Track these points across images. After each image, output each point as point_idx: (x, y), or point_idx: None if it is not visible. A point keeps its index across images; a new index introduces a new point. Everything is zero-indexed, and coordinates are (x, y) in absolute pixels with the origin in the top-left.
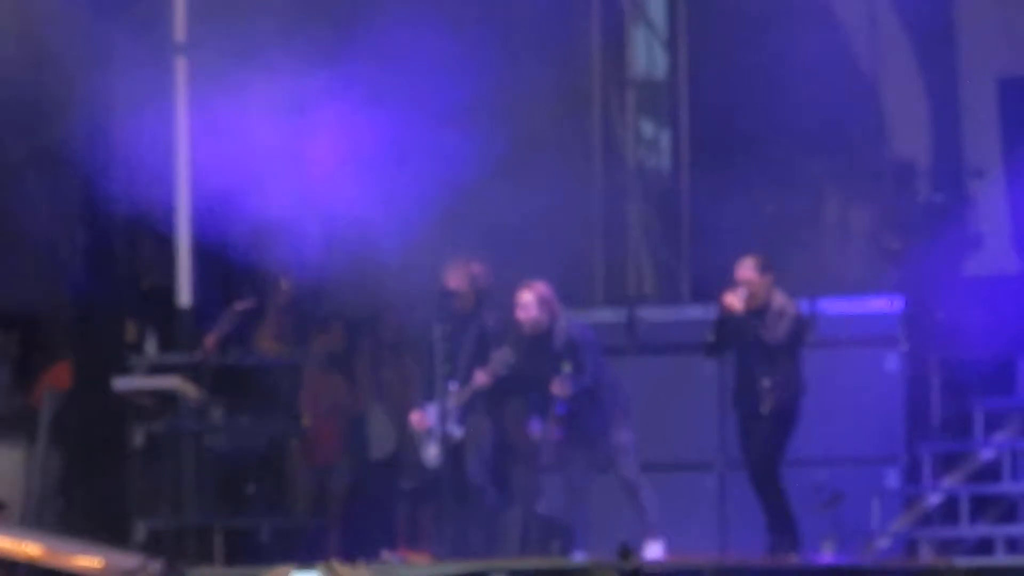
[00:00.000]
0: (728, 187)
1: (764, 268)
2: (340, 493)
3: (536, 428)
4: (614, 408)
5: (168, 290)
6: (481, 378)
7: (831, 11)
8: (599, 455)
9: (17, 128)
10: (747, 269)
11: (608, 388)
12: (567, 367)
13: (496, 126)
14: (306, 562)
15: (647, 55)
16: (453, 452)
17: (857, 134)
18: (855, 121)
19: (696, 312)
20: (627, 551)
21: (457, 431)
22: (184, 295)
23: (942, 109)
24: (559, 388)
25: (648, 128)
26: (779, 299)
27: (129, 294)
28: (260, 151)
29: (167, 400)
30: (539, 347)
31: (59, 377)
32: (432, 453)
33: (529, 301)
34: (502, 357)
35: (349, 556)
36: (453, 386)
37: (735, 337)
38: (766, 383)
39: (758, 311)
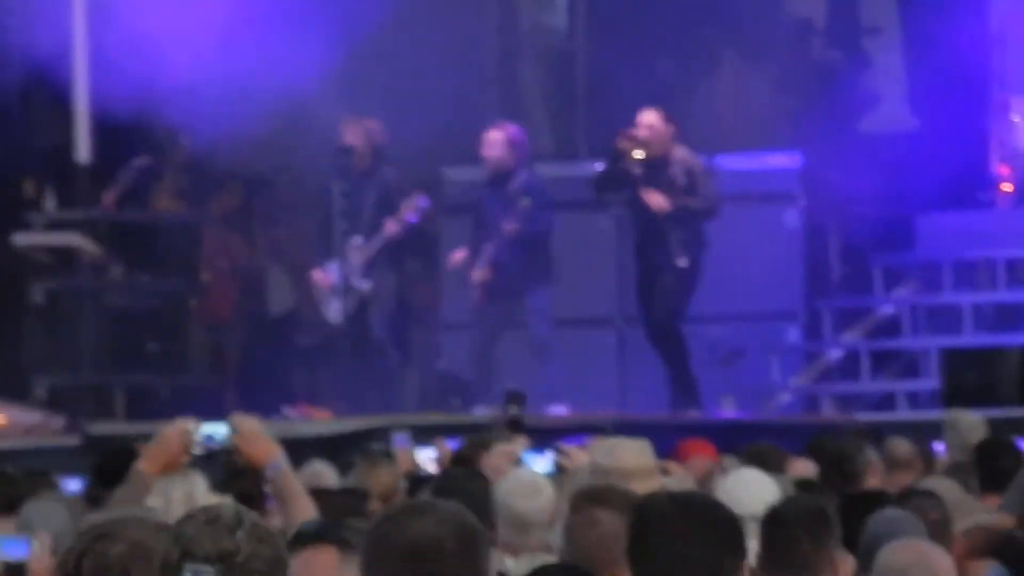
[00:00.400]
0: (625, 47)
1: (667, 119)
2: (238, 350)
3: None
4: (539, 269)
5: (66, 147)
6: (391, 227)
7: None
8: (515, 311)
9: None
10: (651, 115)
11: (540, 248)
12: (525, 202)
13: None
14: (205, 418)
15: None
16: (357, 308)
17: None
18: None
19: (592, 168)
20: (516, 396)
21: (364, 285)
22: (82, 152)
23: None
24: (509, 224)
25: None
26: (680, 151)
27: (26, 151)
28: (157, 8)
29: (66, 257)
30: (497, 190)
31: None
32: (335, 309)
33: (497, 139)
34: (414, 205)
35: (248, 412)
36: (356, 240)
37: (636, 183)
38: (676, 233)
39: (660, 160)
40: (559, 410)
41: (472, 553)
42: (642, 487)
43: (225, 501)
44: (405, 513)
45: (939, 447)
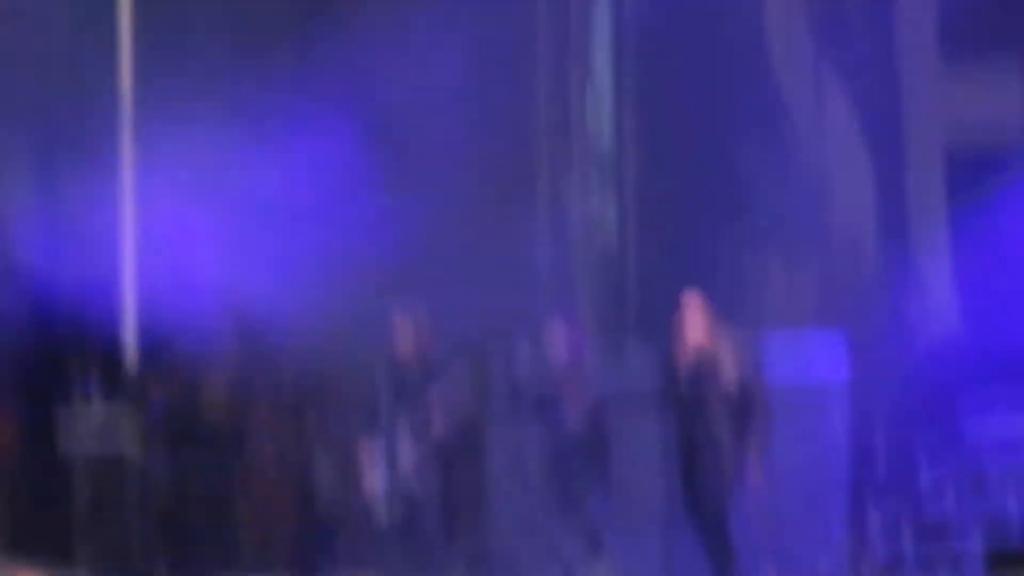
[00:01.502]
0: (675, 259)
1: (711, 314)
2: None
3: None
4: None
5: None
6: (438, 426)
7: (776, 90)
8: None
9: None
10: (694, 316)
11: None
12: None
13: (445, 184)
14: None
15: (595, 118)
16: (408, 510)
17: (802, 210)
18: (799, 197)
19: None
20: None
21: (417, 488)
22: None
23: (887, 185)
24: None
25: (594, 200)
26: (729, 360)
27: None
28: (207, 229)
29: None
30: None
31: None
32: (390, 512)
33: (561, 341)
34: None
35: None
36: (406, 443)
37: (684, 394)
38: (725, 444)
39: (708, 369)
40: None
41: None
42: None
43: None
44: None
45: None
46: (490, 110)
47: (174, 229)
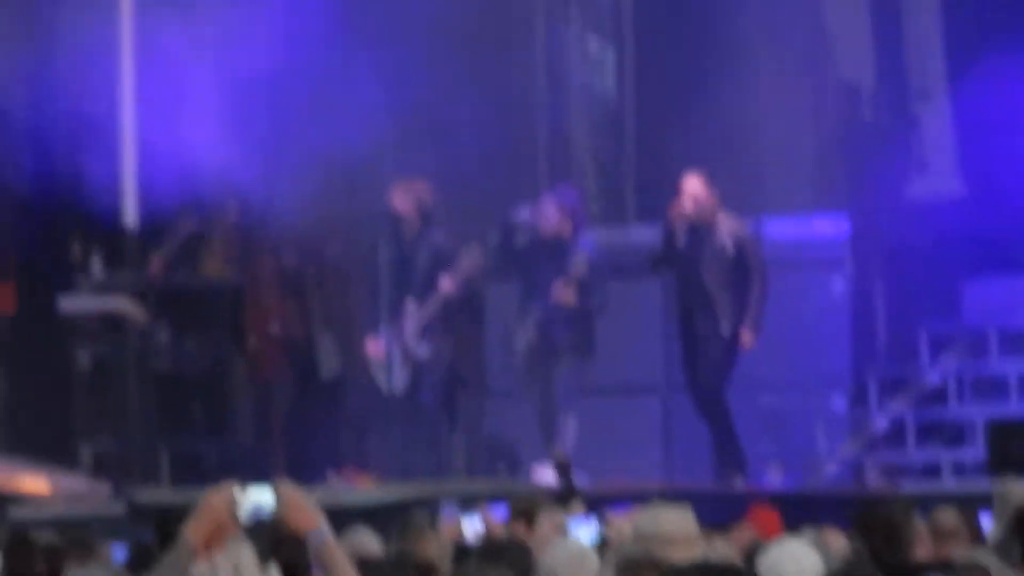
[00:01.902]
0: (672, 109)
1: (710, 183)
2: (286, 415)
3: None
4: (583, 343)
5: (114, 211)
6: (448, 284)
7: None
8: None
9: None
10: (694, 182)
11: (586, 324)
12: (580, 266)
13: (441, 47)
14: (251, 482)
15: None
16: (411, 374)
17: (801, 57)
18: (799, 44)
19: (642, 233)
20: (563, 464)
21: (422, 351)
22: (130, 215)
23: (885, 29)
24: (564, 295)
25: (593, 47)
26: (726, 220)
27: (73, 214)
28: (205, 75)
29: (112, 322)
30: (551, 257)
31: (3, 301)
32: (393, 378)
33: (550, 206)
34: (472, 258)
35: (294, 477)
36: (410, 305)
37: (682, 253)
38: (722, 302)
39: (705, 227)
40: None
41: None
42: (684, 554)
43: (271, 570)
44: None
45: (985, 518)
46: None
47: (173, 100)
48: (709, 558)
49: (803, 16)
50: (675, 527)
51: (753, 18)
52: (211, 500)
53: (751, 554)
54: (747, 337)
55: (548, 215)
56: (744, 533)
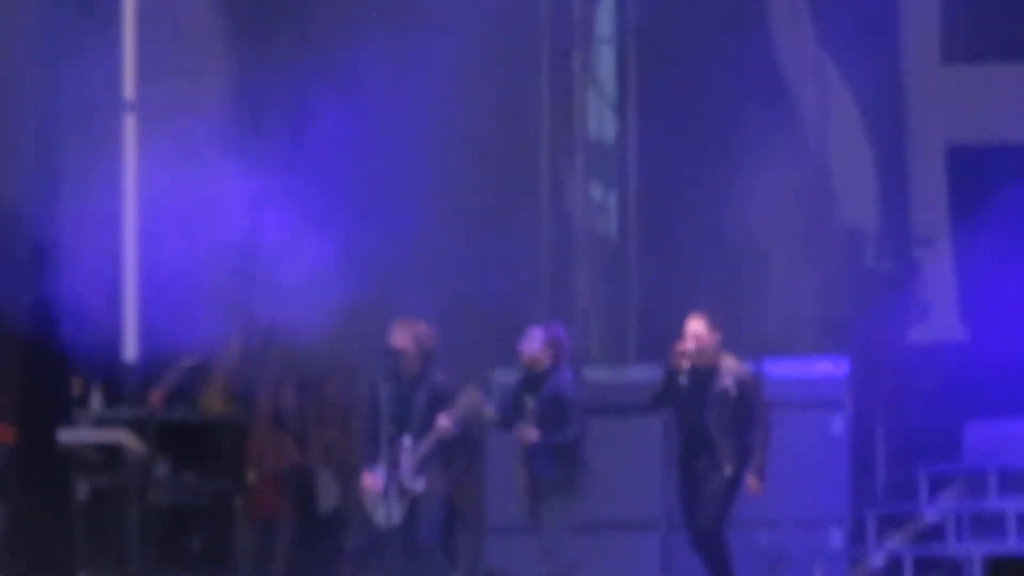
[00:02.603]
0: (676, 252)
1: (713, 326)
2: (284, 550)
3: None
4: (566, 476)
5: (114, 346)
6: (445, 422)
7: (781, 82)
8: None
9: None
10: (697, 324)
11: (567, 456)
12: (530, 406)
13: (447, 188)
14: None
15: (597, 119)
16: (408, 510)
17: (806, 201)
18: (804, 188)
19: (642, 373)
20: None
21: (418, 486)
22: (130, 350)
23: (890, 177)
24: (525, 434)
25: (597, 191)
26: (729, 360)
27: (74, 350)
28: (206, 212)
29: (112, 454)
30: (530, 387)
31: (3, 432)
32: (385, 513)
33: (537, 337)
34: (470, 399)
35: None
36: (407, 442)
37: (685, 394)
38: (725, 443)
39: (708, 369)
40: None
41: None
42: None
43: None
44: None
45: None
46: (493, 103)
47: (175, 239)
48: None
49: (807, 160)
50: None
51: (756, 163)
52: None
53: None
54: (753, 483)
55: (531, 344)
56: None
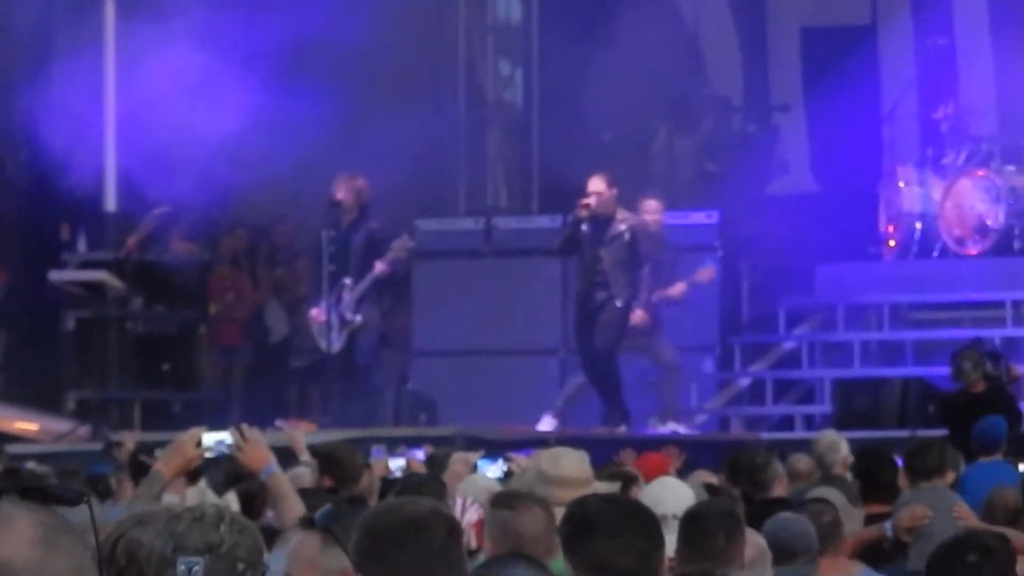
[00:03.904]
0: (572, 118)
1: (611, 183)
2: (241, 372)
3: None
4: None
5: (97, 198)
6: (381, 267)
7: None
8: None
9: None
10: (598, 181)
11: None
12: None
13: (378, 65)
14: (212, 429)
15: (504, 3)
16: (347, 338)
17: (681, 75)
18: (679, 64)
19: (543, 222)
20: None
21: (356, 318)
22: (110, 201)
23: (752, 54)
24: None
25: (505, 67)
26: (623, 212)
27: (63, 201)
28: (175, 79)
29: (95, 291)
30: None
31: (1, 271)
32: (330, 340)
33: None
34: (402, 245)
35: (248, 425)
36: (347, 281)
37: (586, 239)
38: (619, 280)
39: (606, 219)
40: (547, 424)
41: (456, 534)
42: (579, 494)
43: (230, 499)
44: (400, 502)
45: None
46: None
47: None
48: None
49: (683, 40)
50: (575, 470)
51: (640, 42)
52: (181, 440)
53: (630, 488)
54: (639, 316)
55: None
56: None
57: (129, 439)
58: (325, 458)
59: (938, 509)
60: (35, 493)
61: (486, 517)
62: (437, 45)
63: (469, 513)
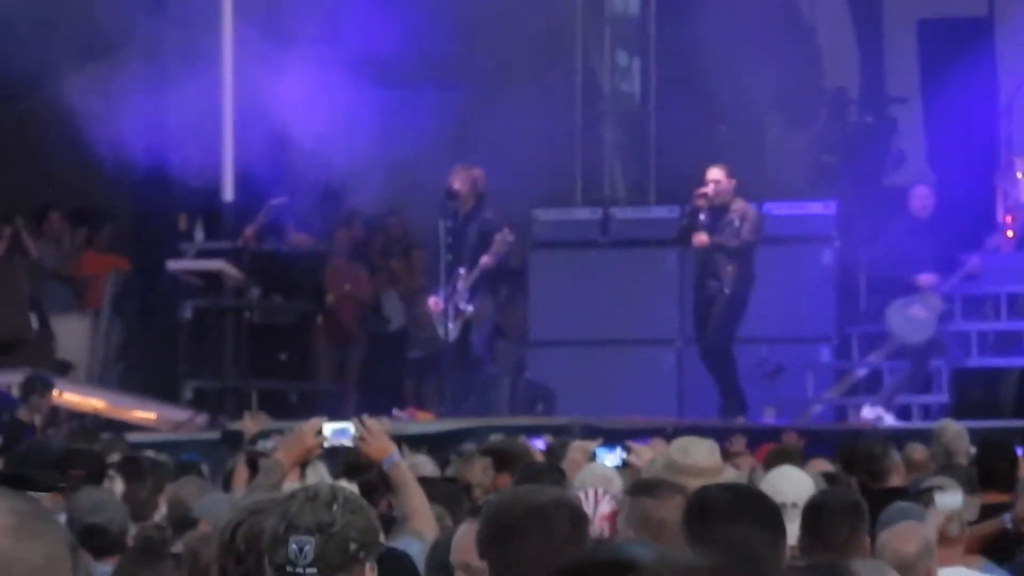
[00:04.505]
0: (688, 110)
1: (730, 174)
2: (357, 362)
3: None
4: None
5: (215, 189)
6: (486, 260)
7: None
8: None
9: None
10: (716, 172)
11: None
12: None
13: (498, 58)
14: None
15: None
16: (462, 328)
17: (798, 67)
18: (796, 56)
19: (660, 212)
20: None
21: (468, 308)
22: (228, 192)
23: (869, 46)
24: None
25: (622, 58)
26: (740, 203)
27: (181, 191)
28: (292, 77)
29: (212, 281)
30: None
31: (120, 262)
32: (447, 329)
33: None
34: (503, 239)
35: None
36: (461, 271)
37: (703, 229)
38: (729, 270)
39: (722, 208)
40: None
41: (581, 523)
42: (709, 482)
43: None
44: (525, 490)
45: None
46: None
47: (270, 95)
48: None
49: (800, 33)
50: (704, 459)
51: (758, 35)
52: (302, 430)
53: (752, 477)
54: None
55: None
56: (744, 461)
57: (250, 424)
58: (500, 454)
59: None
60: (12, 480)
61: (624, 505)
62: (554, 36)
63: (602, 505)
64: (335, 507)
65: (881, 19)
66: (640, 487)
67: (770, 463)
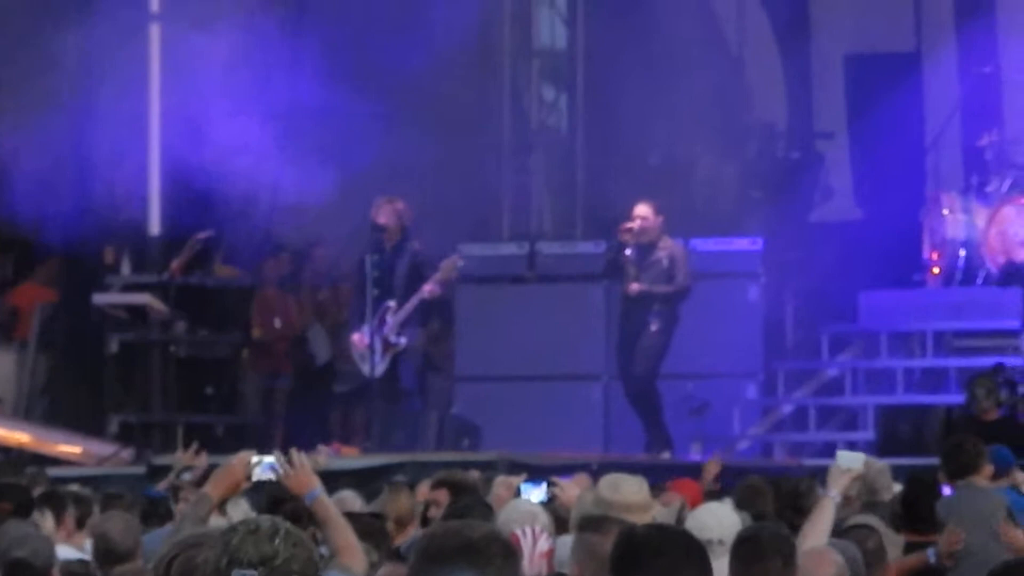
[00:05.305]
0: (616, 144)
1: (657, 211)
2: (284, 396)
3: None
4: None
5: (141, 221)
6: (429, 288)
7: (706, 2)
8: None
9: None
10: (643, 208)
11: None
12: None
13: (423, 92)
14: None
15: (550, 30)
16: (390, 361)
17: (726, 101)
18: (724, 91)
19: (587, 247)
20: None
21: (400, 341)
22: (154, 225)
23: (796, 81)
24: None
25: (549, 93)
26: (667, 240)
27: (107, 225)
28: (218, 113)
29: (138, 314)
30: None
31: (47, 293)
32: (372, 365)
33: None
34: (451, 263)
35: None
36: (391, 303)
37: (629, 266)
38: (656, 308)
39: (650, 246)
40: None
41: (512, 558)
42: (639, 519)
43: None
44: (455, 525)
45: None
46: (460, 20)
47: (197, 129)
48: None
49: (728, 70)
50: (633, 495)
51: (684, 68)
52: (231, 463)
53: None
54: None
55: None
56: (672, 497)
57: (197, 461)
58: (454, 486)
59: (975, 523)
60: None
61: (573, 540)
62: (481, 69)
63: (540, 543)
64: (277, 540)
65: (809, 53)
66: (587, 523)
67: (741, 499)
